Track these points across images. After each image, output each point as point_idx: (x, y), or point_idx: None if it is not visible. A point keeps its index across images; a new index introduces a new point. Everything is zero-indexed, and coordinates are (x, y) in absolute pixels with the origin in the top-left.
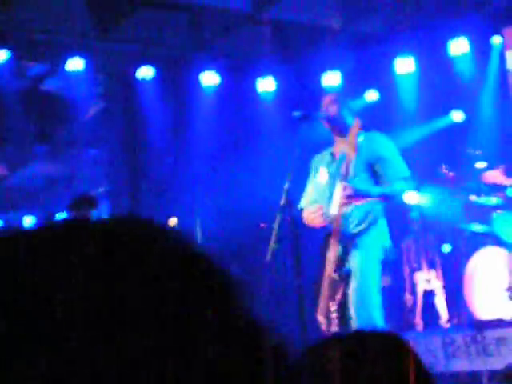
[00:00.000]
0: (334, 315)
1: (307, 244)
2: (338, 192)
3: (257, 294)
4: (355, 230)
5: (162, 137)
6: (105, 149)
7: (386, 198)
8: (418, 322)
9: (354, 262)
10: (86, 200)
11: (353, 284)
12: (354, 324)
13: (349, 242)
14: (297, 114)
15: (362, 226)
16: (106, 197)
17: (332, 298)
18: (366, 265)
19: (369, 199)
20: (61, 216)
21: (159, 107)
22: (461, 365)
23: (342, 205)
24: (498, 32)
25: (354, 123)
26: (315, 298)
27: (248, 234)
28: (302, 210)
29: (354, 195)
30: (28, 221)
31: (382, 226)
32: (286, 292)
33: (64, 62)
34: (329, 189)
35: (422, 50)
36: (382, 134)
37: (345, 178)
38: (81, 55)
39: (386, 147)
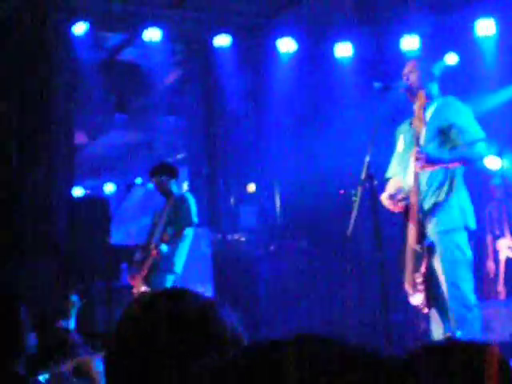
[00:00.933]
0: (421, 287)
1: (389, 217)
2: (412, 161)
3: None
4: (433, 200)
5: (239, 103)
6: (183, 116)
7: (462, 162)
8: (501, 290)
9: (435, 232)
10: (167, 167)
11: (438, 258)
12: (444, 300)
13: (428, 212)
14: (377, 85)
15: (441, 196)
16: (185, 163)
17: (417, 269)
18: (448, 237)
19: (443, 165)
20: (140, 182)
21: (237, 74)
22: None
23: (416, 172)
24: None
25: (418, 95)
26: (400, 270)
27: (327, 200)
28: (387, 179)
29: (427, 161)
30: (109, 187)
31: (462, 193)
32: (368, 263)
33: (141, 32)
34: (405, 158)
35: (503, 12)
36: (456, 99)
37: (416, 146)
38: (157, 25)
39: (460, 112)
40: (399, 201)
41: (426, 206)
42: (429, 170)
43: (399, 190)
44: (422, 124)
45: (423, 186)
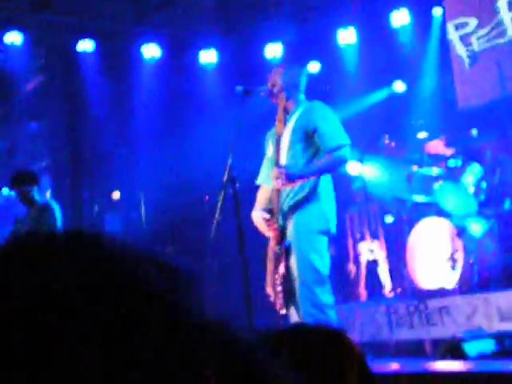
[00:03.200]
0: (279, 288)
1: (251, 219)
2: (272, 177)
3: (202, 269)
4: (290, 203)
5: (103, 110)
6: (45, 122)
7: (324, 173)
8: (362, 292)
9: (292, 234)
10: (28, 176)
11: (292, 257)
12: (297, 298)
13: (288, 214)
14: (239, 88)
15: (297, 198)
16: (48, 171)
17: (275, 271)
18: (304, 238)
19: (304, 180)
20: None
21: (100, 80)
22: (404, 334)
23: (277, 189)
24: (438, 3)
25: (280, 98)
26: (263, 272)
27: (192, 207)
28: (259, 185)
29: (287, 179)
30: None
31: (324, 196)
32: (231, 266)
33: (1, 36)
34: (272, 163)
35: (363, 22)
36: (322, 103)
37: (276, 160)
38: (18, 29)
39: (325, 117)
40: (272, 226)
41: (286, 206)
42: (290, 186)
43: (268, 210)
44: (281, 126)
45: (286, 189)
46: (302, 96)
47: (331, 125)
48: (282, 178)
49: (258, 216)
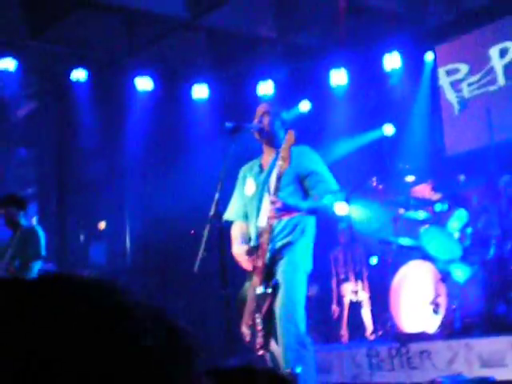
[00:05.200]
0: (259, 327)
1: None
2: (267, 205)
3: (183, 302)
4: (282, 242)
5: (93, 139)
6: (35, 149)
7: (314, 212)
8: (344, 333)
9: (281, 274)
10: (15, 199)
11: (280, 296)
12: (280, 337)
13: (276, 254)
14: (228, 125)
15: (289, 238)
16: (34, 198)
17: (258, 309)
18: (293, 277)
19: (297, 214)
20: None
21: (92, 110)
22: (385, 376)
23: (271, 218)
24: (430, 49)
25: (288, 135)
26: (240, 310)
27: (177, 240)
28: (226, 221)
29: (283, 209)
30: None
31: (310, 238)
32: (213, 301)
33: None
34: (256, 200)
35: (355, 64)
36: (310, 148)
37: (274, 190)
38: (12, 55)
39: (315, 161)
40: (256, 261)
41: (276, 245)
42: (283, 217)
43: (245, 240)
44: (286, 164)
45: (274, 229)
46: (283, 135)
47: (323, 170)
48: (277, 205)
49: (240, 249)
